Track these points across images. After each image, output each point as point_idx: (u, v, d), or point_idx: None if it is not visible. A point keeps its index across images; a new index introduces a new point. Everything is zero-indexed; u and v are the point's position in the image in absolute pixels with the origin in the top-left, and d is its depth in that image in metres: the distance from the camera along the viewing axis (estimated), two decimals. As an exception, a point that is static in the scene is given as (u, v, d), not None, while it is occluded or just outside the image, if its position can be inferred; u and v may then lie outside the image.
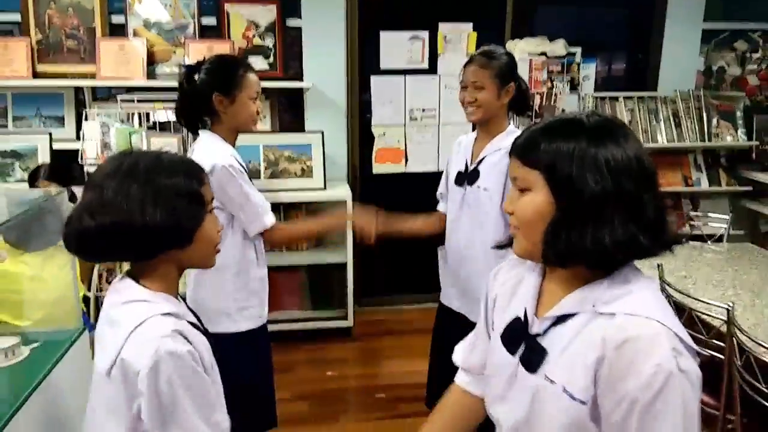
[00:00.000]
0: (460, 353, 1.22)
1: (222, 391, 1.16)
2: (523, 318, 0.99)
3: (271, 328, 2.09)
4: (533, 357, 0.95)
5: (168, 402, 0.99)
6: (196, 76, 1.83)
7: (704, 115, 3.66)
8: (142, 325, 1.01)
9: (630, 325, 0.85)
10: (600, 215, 0.87)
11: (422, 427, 1.18)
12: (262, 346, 1.98)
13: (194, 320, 1.15)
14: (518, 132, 1.88)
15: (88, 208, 1.03)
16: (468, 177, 1.99)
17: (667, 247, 0.91)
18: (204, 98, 1.82)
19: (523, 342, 0.97)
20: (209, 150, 1.81)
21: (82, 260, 1.90)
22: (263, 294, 1.96)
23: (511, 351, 0.99)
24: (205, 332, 1.17)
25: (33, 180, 2.89)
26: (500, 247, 1.09)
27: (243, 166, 1.88)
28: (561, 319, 0.93)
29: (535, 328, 0.97)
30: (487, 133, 1.97)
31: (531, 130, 0.96)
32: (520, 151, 0.95)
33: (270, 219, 1.88)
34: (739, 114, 3.70)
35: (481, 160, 1.95)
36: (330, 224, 2.11)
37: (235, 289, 1.87)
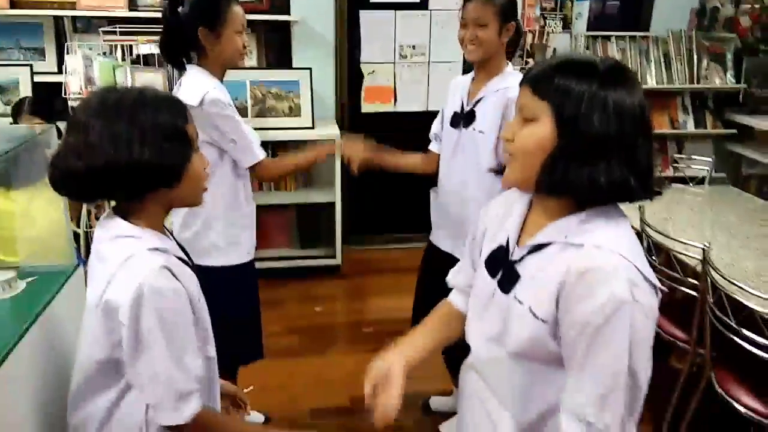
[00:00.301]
0: (450, 274, 1.31)
1: (208, 325, 1.20)
2: (505, 246, 1.07)
3: (260, 265, 2.13)
4: (507, 280, 1.03)
5: (144, 337, 1.02)
6: (180, 10, 1.78)
7: (694, 56, 3.64)
8: (129, 259, 1.03)
9: (593, 256, 0.92)
10: (599, 154, 0.92)
11: (413, 329, 1.26)
12: (249, 280, 2.03)
13: (182, 255, 1.17)
14: (517, 73, 1.89)
15: (74, 149, 1.01)
16: (464, 118, 1.96)
17: (652, 194, 0.97)
18: (189, 33, 1.77)
19: (502, 267, 1.06)
20: (197, 84, 1.78)
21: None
22: (252, 230, 1.99)
23: (492, 275, 1.08)
24: (192, 266, 1.20)
25: (16, 114, 2.85)
26: (496, 172, 1.14)
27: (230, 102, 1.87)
28: (537, 248, 1.00)
29: (515, 255, 1.05)
30: (485, 73, 1.94)
31: (547, 64, 0.99)
32: (532, 81, 0.98)
33: (262, 152, 1.89)
34: (729, 56, 3.69)
35: (477, 102, 1.93)
36: (318, 154, 2.09)
37: (226, 225, 1.90)
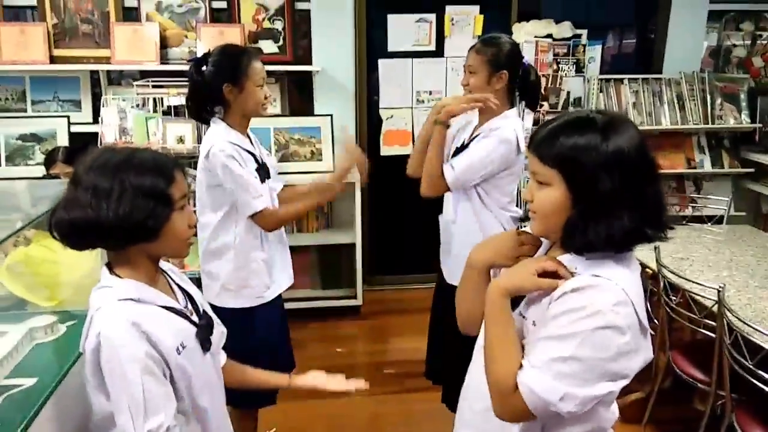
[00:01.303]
0: None
1: (205, 373, 1.24)
2: None
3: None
4: (516, 299, 1.12)
5: (109, 377, 1.09)
6: (204, 69, 1.91)
7: (708, 97, 3.70)
8: (99, 310, 1.11)
9: (590, 280, 1.01)
10: (611, 208, 1.00)
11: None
12: (262, 324, 2.06)
13: (172, 303, 1.22)
14: (513, 116, 1.99)
15: (65, 202, 1.12)
16: (458, 152, 2.07)
17: (665, 233, 1.05)
18: (214, 89, 1.90)
19: None
20: (212, 138, 1.91)
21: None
22: (267, 275, 2.04)
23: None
24: (196, 312, 1.27)
25: (49, 162, 2.99)
26: (521, 220, 1.24)
27: (252, 153, 1.97)
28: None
29: None
30: (484, 115, 2.06)
31: (547, 129, 1.06)
32: (537, 148, 1.06)
33: (261, 203, 1.92)
34: (743, 96, 3.74)
35: (473, 138, 2.04)
36: (320, 191, 2.15)
37: (236, 268, 1.98)
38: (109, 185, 1.09)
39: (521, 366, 1.02)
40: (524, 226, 1.26)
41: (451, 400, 2.22)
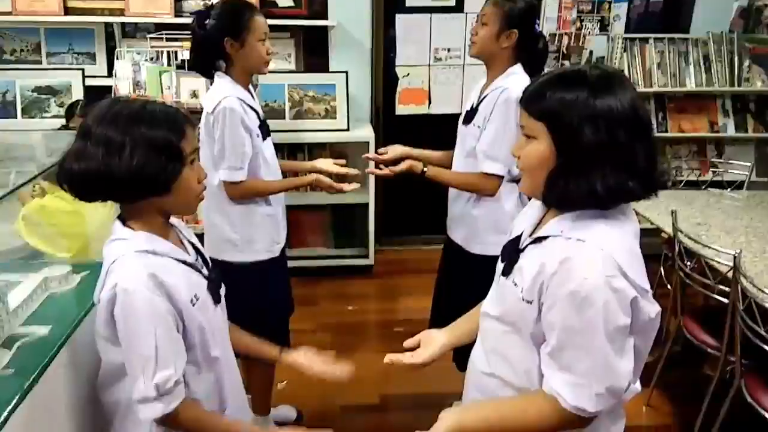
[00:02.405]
0: None
1: (217, 325, 1.26)
2: (519, 237, 1.17)
3: (295, 264, 2.22)
4: (509, 265, 1.15)
5: (120, 334, 1.11)
6: (206, 22, 1.89)
7: (736, 58, 3.57)
8: (115, 262, 1.12)
9: (576, 248, 1.01)
10: (594, 164, 0.99)
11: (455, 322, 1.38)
12: (270, 278, 2.09)
13: (184, 256, 1.23)
14: (519, 75, 1.94)
15: (75, 153, 1.10)
16: (468, 116, 2.06)
17: (654, 191, 1.04)
18: (216, 43, 1.88)
19: (509, 254, 1.16)
20: (218, 93, 1.90)
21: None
22: (271, 229, 2.06)
23: (503, 260, 1.19)
24: (206, 264, 1.28)
25: (69, 116, 3.01)
26: (514, 180, 1.24)
27: (254, 109, 1.96)
28: (538, 240, 1.09)
29: (522, 245, 1.14)
30: (491, 74, 2.02)
31: (537, 83, 1.06)
32: (526, 102, 1.06)
33: (239, 175, 1.91)
34: (773, 58, 3.60)
35: (482, 100, 2.00)
36: (296, 183, 2.16)
37: (240, 223, 1.99)
38: (120, 138, 1.08)
39: (552, 381, 1.04)
40: None
41: (459, 360, 2.25)
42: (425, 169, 2.04)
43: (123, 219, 1.19)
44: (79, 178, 1.11)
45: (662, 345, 2.51)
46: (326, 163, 2.19)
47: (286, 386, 2.50)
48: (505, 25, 1.91)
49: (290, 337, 2.22)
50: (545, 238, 1.07)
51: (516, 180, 1.99)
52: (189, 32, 2.04)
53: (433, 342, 1.31)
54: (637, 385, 1.10)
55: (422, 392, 2.47)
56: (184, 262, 1.22)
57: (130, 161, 1.08)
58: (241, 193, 1.96)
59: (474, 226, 2.07)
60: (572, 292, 0.98)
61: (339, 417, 2.43)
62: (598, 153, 0.98)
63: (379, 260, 3.66)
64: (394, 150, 2.19)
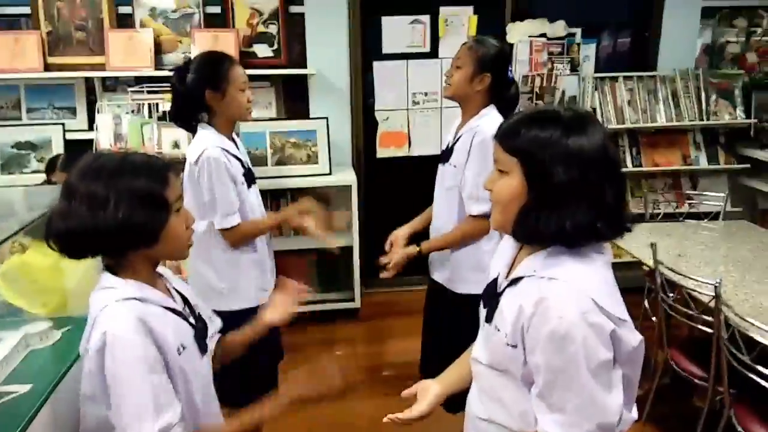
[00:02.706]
0: None
1: (203, 377, 1.25)
2: (496, 279, 1.18)
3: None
4: (490, 310, 1.15)
5: (109, 382, 1.08)
6: (187, 77, 1.92)
7: (703, 93, 3.70)
8: (103, 309, 1.11)
9: (548, 287, 1.02)
10: (565, 202, 1.01)
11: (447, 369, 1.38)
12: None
13: (172, 304, 1.22)
14: (492, 113, 2.00)
15: (60, 213, 1.10)
16: (443, 155, 2.12)
17: (621, 233, 1.06)
18: (197, 96, 1.92)
19: (489, 299, 1.17)
20: (201, 143, 1.93)
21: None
22: (258, 276, 2.06)
23: (485, 306, 1.18)
24: (192, 314, 1.28)
25: (50, 171, 3.01)
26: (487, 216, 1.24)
27: (238, 157, 1.98)
28: (514, 281, 1.10)
29: (500, 288, 1.15)
30: (465, 114, 2.08)
31: (513, 120, 1.09)
32: (501, 138, 1.09)
33: (232, 220, 1.94)
34: (737, 92, 3.74)
35: (457, 140, 2.06)
36: (284, 218, 2.16)
37: (227, 271, 2.00)
38: (104, 193, 1.08)
39: (544, 421, 1.04)
40: None
41: (446, 402, 2.22)
42: (420, 248, 2.12)
43: (110, 268, 1.18)
44: (66, 237, 1.10)
45: (651, 378, 2.51)
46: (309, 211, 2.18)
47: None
48: (479, 69, 1.97)
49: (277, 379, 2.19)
50: (520, 279, 1.09)
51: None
52: (169, 84, 2.07)
53: (428, 392, 1.30)
54: (633, 414, 1.10)
55: (414, 437, 2.43)
56: (173, 310, 1.21)
57: (116, 214, 1.07)
58: (240, 237, 1.98)
59: (456, 266, 2.09)
60: (551, 332, 0.99)
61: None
62: (568, 191, 1.00)
63: (365, 303, 3.64)
64: (396, 245, 2.22)
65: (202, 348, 1.28)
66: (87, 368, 1.12)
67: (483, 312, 1.20)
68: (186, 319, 1.25)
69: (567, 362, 0.99)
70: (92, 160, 1.15)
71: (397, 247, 2.16)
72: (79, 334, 1.15)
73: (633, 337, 1.03)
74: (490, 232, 2.02)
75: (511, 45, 3.71)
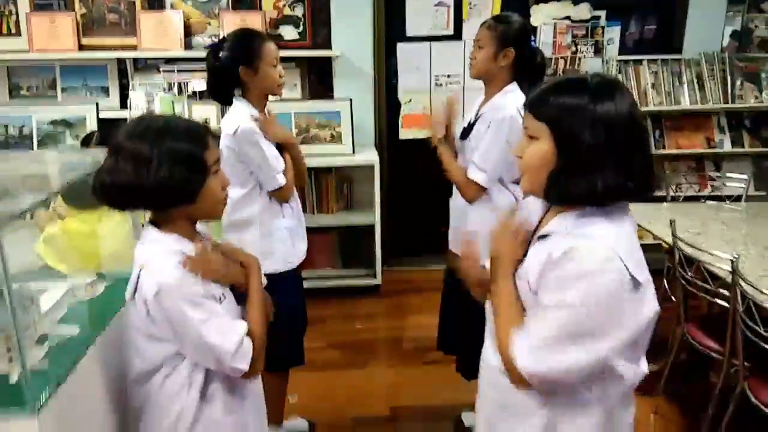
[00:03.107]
0: None
1: (241, 315, 1.34)
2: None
3: (304, 285, 2.28)
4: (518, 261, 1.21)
5: (175, 324, 1.20)
6: (221, 54, 2.00)
7: (728, 77, 3.68)
8: (149, 261, 1.21)
9: (578, 241, 1.07)
10: (595, 164, 1.06)
11: None
12: (288, 289, 2.14)
13: None
14: (515, 93, 2.04)
15: (107, 168, 1.19)
16: (465, 131, 2.15)
17: (651, 191, 1.11)
18: (231, 72, 2.00)
19: None
20: (236, 116, 2.01)
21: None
22: (290, 241, 2.14)
23: None
24: None
25: (85, 146, 3.12)
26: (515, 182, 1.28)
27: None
28: (543, 237, 1.15)
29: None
30: (488, 92, 2.12)
31: (542, 88, 1.14)
32: (530, 105, 1.14)
33: (282, 179, 2.04)
34: (763, 75, 3.71)
35: (478, 117, 2.10)
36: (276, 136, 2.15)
37: (261, 237, 2.07)
38: (148, 152, 1.17)
39: (521, 339, 1.11)
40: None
41: (465, 369, 2.29)
42: (440, 140, 2.15)
43: (154, 223, 1.27)
44: (111, 190, 1.20)
45: (668, 354, 2.54)
46: None
47: (298, 400, 2.54)
48: (501, 46, 2.01)
49: (304, 356, 2.26)
50: (549, 235, 1.14)
51: (516, 181, 2.08)
52: (198, 64, 2.14)
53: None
54: (644, 367, 1.16)
55: (432, 404, 2.51)
56: None
57: (158, 173, 1.16)
58: (288, 191, 2.08)
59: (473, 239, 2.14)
60: (575, 270, 1.05)
61: (350, 428, 2.47)
62: (597, 155, 1.05)
63: (386, 280, 3.72)
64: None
65: (240, 300, 1.37)
66: (143, 313, 1.21)
67: None
68: None
69: (566, 294, 1.05)
70: (138, 121, 1.25)
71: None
72: (120, 289, 1.24)
73: (649, 304, 1.08)
74: (498, 206, 2.06)
75: (535, 27, 3.73)
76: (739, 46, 3.86)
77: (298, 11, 3.64)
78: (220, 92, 2.09)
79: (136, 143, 1.18)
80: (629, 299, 1.05)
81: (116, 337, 1.27)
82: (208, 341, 1.20)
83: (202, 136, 1.25)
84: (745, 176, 3.21)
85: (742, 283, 2.00)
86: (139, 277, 1.22)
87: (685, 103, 3.69)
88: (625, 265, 1.04)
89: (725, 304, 2.14)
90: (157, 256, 1.22)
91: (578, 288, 1.04)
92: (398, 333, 3.30)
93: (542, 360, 1.08)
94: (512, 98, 2.02)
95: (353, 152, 3.60)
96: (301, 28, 3.65)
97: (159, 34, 3.51)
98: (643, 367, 1.16)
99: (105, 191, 1.20)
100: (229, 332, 1.23)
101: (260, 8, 3.59)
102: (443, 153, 2.16)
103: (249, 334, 1.28)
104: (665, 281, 2.83)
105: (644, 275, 1.07)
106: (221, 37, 2.06)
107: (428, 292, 3.63)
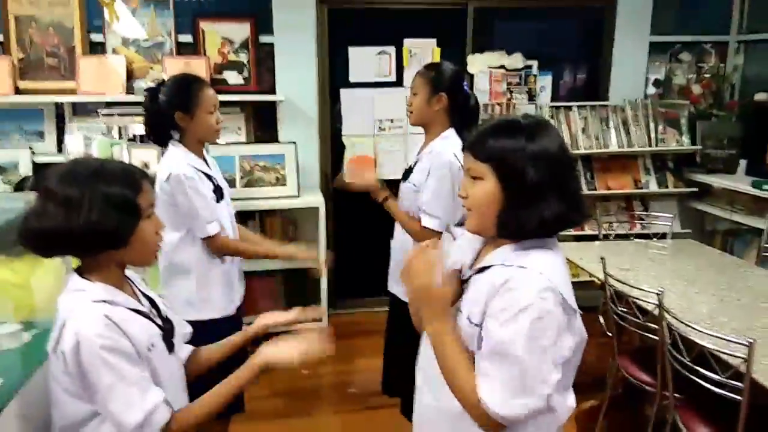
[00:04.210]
0: None
1: (168, 378, 1.29)
2: (460, 269, 1.28)
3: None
4: (456, 295, 1.24)
5: (90, 379, 1.14)
6: (159, 97, 2.01)
7: (651, 122, 3.94)
8: (72, 311, 1.16)
9: (516, 272, 1.12)
10: (540, 197, 1.13)
11: None
12: (227, 335, 2.11)
13: (139, 307, 1.28)
14: (451, 136, 2.14)
15: (35, 212, 1.17)
16: (406, 173, 2.24)
17: (587, 217, 1.19)
18: (167, 116, 2.01)
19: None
20: (170, 161, 2.02)
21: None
22: (228, 287, 2.13)
23: None
24: (159, 316, 1.34)
25: (20, 191, 3.03)
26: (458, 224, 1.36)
27: (209, 175, 2.07)
28: (481, 270, 1.20)
29: (465, 276, 1.26)
30: (428, 137, 2.22)
31: (480, 131, 1.21)
32: (471, 147, 1.20)
33: (213, 229, 2.03)
34: (683, 121, 3.98)
35: (417, 161, 2.20)
36: (286, 254, 2.23)
37: (197, 284, 2.06)
38: (79, 195, 1.14)
39: (478, 383, 1.12)
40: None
41: (408, 411, 2.28)
42: (387, 197, 2.20)
43: (79, 271, 1.23)
44: (40, 236, 1.16)
45: (604, 390, 2.62)
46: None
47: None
48: (433, 91, 2.11)
49: (244, 403, 2.22)
50: (487, 268, 1.19)
51: (459, 224, 2.15)
52: (139, 108, 2.16)
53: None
54: (571, 401, 1.20)
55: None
56: (140, 312, 1.27)
57: (89, 217, 1.14)
58: (222, 246, 2.06)
59: None
60: (513, 299, 1.09)
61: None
62: (540, 188, 1.13)
63: (332, 323, 3.69)
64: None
65: (170, 347, 1.34)
66: (62, 367, 1.16)
67: None
68: (153, 320, 1.30)
69: (515, 334, 1.08)
70: (71, 164, 1.22)
71: None
72: (45, 336, 1.20)
73: (580, 332, 1.15)
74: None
75: (472, 75, 3.91)
76: (662, 93, 4.15)
77: (243, 57, 3.69)
78: (158, 135, 2.09)
79: (65, 186, 1.15)
80: (567, 326, 1.11)
81: (41, 389, 1.22)
82: (110, 409, 1.16)
83: (136, 179, 1.23)
84: (670, 215, 3.41)
85: (668, 317, 2.11)
86: (62, 328, 1.17)
87: (613, 146, 3.90)
88: (560, 292, 1.10)
89: (654, 337, 2.24)
90: (81, 306, 1.17)
91: (523, 320, 1.08)
92: (344, 377, 3.27)
93: (514, 405, 1.09)
94: (449, 144, 2.11)
95: (298, 194, 3.62)
96: (245, 73, 3.70)
97: (100, 78, 3.47)
98: (570, 401, 1.20)
99: (31, 236, 1.16)
100: (136, 404, 1.16)
101: (204, 54, 3.62)
102: (391, 207, 2.22)
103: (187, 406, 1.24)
104: (600, 317, 2.94)
105: (575, 303, 1.14)
106: (162, 80, 2.08)
107: (374, 335, 3.63)
